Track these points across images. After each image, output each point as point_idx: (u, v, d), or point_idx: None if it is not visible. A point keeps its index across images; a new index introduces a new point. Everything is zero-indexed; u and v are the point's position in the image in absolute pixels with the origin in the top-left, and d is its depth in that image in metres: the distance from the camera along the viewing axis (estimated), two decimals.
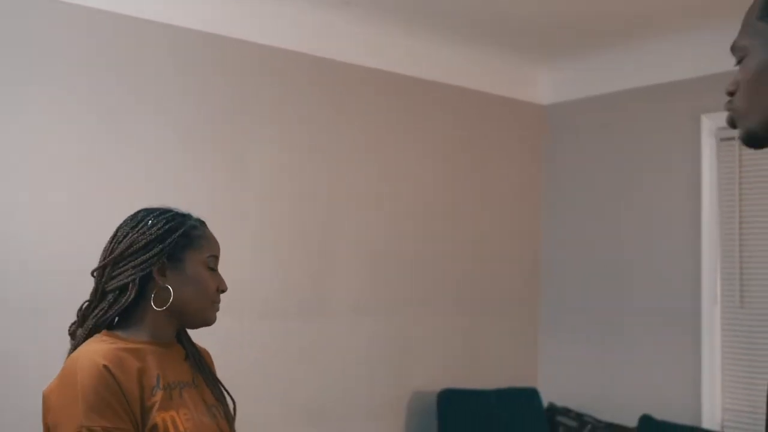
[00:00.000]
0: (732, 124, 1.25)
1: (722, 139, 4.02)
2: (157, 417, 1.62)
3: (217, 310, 1.82)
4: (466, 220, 4.47)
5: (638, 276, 4.30)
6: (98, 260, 1.77)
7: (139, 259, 1.71)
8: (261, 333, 3.64)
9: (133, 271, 1.71)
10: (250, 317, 3.58)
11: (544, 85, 4.74)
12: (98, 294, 1.74)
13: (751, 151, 4.54)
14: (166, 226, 1.76)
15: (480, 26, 3.99)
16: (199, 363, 1.87)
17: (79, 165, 3.23)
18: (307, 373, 3.80)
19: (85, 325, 1.73)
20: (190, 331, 1.90)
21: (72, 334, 1.77)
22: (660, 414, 3.92)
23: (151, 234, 1.73)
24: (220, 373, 1.95)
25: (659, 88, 4.19)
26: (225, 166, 3.62)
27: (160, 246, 1.73)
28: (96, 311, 1.73)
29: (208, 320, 1.81)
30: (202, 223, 1.87)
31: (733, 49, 1.24)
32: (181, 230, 1.77)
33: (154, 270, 1.72)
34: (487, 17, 3.85)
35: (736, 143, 3.97)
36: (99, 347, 1.63)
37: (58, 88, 3.20)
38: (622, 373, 4.29)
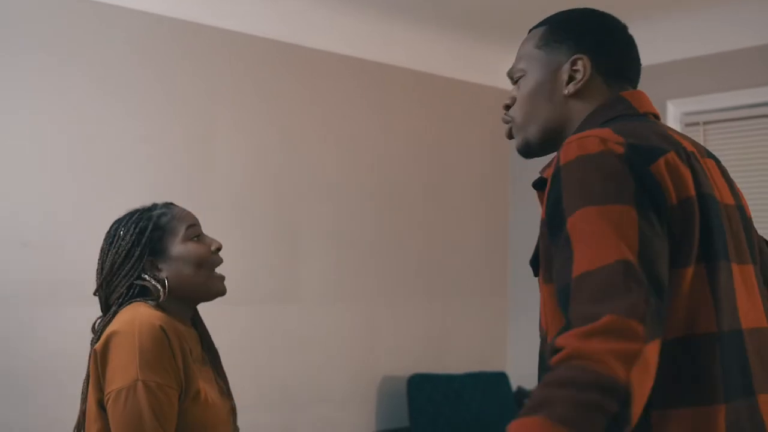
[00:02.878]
0: (510, 135, 1.51)
1: (688, 125, 4.07)
2: (199, 384, 1.76)
3: (222, 279, 1.91)
4: (435, 206, 4.48)
5: None
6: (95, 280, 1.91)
7: (126, 269, 1.83)
8: (229, 319, 3.62)
9: (126, 280, 1.83)
10: (218, 303, 3.55)
11: None
12: (106, 308, 1.87)
13: (717, 136, 4.56)
14: (137, 230, 1.86)
15: (449, 12, 3.99)
16: (210, 347, 1.99)
17: (42, 154, 3.20)
18: (276, 358, 3.80)
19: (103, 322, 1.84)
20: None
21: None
22: None
23: (126, 243, 1.85)
24: None
25: None
26: (192, 154, 3.59)
27: (139, 249, 1.84)
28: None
29: (215, 289, 1.90)
30: (169, 206, 1.95)
31: (512, 71, 1.52)
32: (151, 226, 1.87)
33: (147, 270, 1.84)
34: (455, 2, 3.85)
35: (701, 128, 4.03)
36: (151, 311, 1.75)
37: (17, 74, 3.16)
38: None
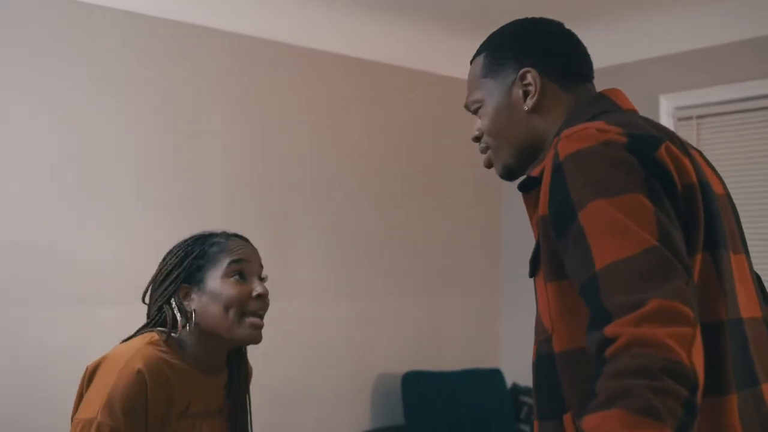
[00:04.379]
0: (489, 164, 1.51)
1: (680, 119, 4.07)
2: None
3: (255, 326, 1.74)
4: (428, 203, 4.47)
5: None
6: None
7: (162, 287, 1.76)
8: None
9: (160, 299, 1.76)
10: None
11: None
12: (148, 316, 1.81)
13: (710, 130, 4.56)
14: (183, 252, 1.78)
15: (442, 9, 3.98)
16: (236, 393, 1.87)
17: (35, 154, 3.19)
18: (270, 356, 3.77)
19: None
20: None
21: None
22: None
23: (171, 263, 1.77)
24: None
25: (617, 68, 4.22)
26: (185, 153, 3.57)
27: (176, 272, 1.76)
28: (144, 328, 1.80)
29: (241, 338, 1.74)
30: (230, 236, 1.83)
31: (468, 105, 1.54)
32: (196, 252, 1.77)
33: (178, 295, 1.75)
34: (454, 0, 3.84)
35: (694, 123, 4.02)
36: (147, 351, 1.67)
37: (13, 76, 3.14)
38: None
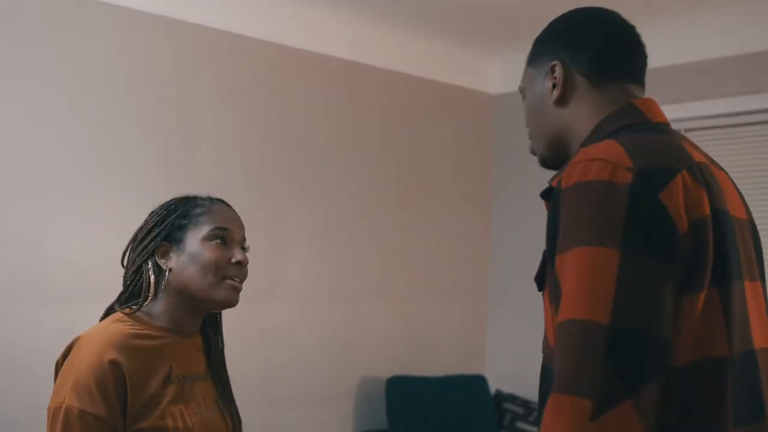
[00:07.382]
0: (533, 152, 1.50)
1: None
2: (166, 409, 1.65)
3: (234, 288, 1.73)
4: (416, 208, 4.49)
5: None
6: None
7: (142, 244, 1.74)
8: None
9: (138, 256, 1.74)
10: None
11: (494, 75, 4.76)
12: (125, 280, 1.78)
13: (707, 140, 4.61)
14: (165, 211, 1.77)
15: (431, 14, 4.01)
16: (215, 358, 1.88)
17: (23, 152, 3.18)
18: (255, 359, 3.78)
19: (110, 309, 1.78)
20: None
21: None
22: None
23: (152, 221, 1.76)
24: None
25: None
26: (174, 154, 3.57)
27: (158, 229, 1.74)
28: (121, 296, 1.78)
29: (218, 299, 1.72)
30: (214, 201, 1.83)
31: (520, 91, 1.52)
32: (179, 212, 1.76)
33: (157, 253, 1.73)
34: (438, 4, 3.86)
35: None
36: (114, 332, 1.65)
37: (5, 70, 3.13)
38: None
